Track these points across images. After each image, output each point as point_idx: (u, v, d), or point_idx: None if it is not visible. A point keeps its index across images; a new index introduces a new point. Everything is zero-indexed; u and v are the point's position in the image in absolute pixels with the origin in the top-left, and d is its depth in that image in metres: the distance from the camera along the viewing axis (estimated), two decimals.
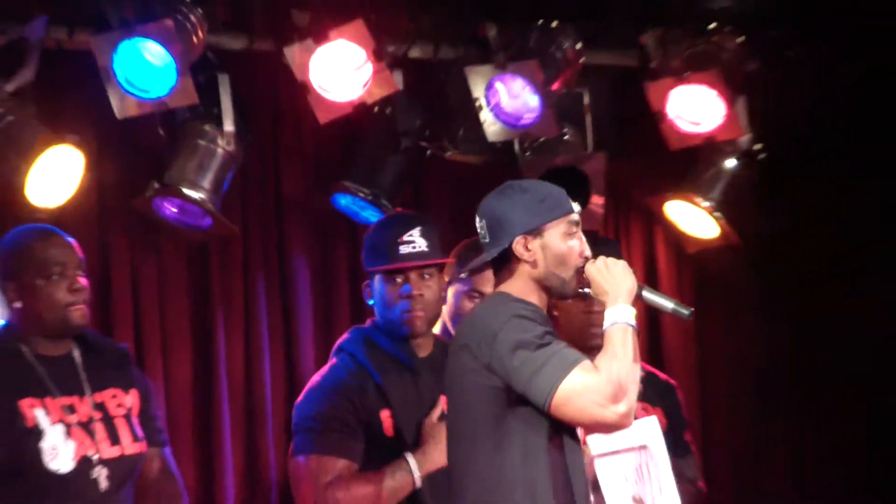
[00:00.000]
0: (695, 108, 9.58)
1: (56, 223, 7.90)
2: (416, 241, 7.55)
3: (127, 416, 7.41)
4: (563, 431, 6.40)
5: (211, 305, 9.39)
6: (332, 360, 7.59)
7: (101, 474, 7.26)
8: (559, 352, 6.22)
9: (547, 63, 9.33)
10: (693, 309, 6.59)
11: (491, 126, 9.26)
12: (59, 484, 7.20)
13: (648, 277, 10.50)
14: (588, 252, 6.49)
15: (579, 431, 6.64)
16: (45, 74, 8.51)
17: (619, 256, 7.77)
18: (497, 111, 9.26)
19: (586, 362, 6.19)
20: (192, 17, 8.61)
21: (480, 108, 9.24)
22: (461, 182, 9.65)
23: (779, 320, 10.62)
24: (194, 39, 8.64)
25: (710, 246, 10.10)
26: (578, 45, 9.41)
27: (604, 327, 6.44)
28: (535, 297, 6.42)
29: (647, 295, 6.52)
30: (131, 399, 7.46)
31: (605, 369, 6.22)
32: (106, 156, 8.78)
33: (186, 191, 8.76)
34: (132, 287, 8.96)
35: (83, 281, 7.31)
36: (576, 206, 6.65)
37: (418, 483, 7.30)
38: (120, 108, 8.44)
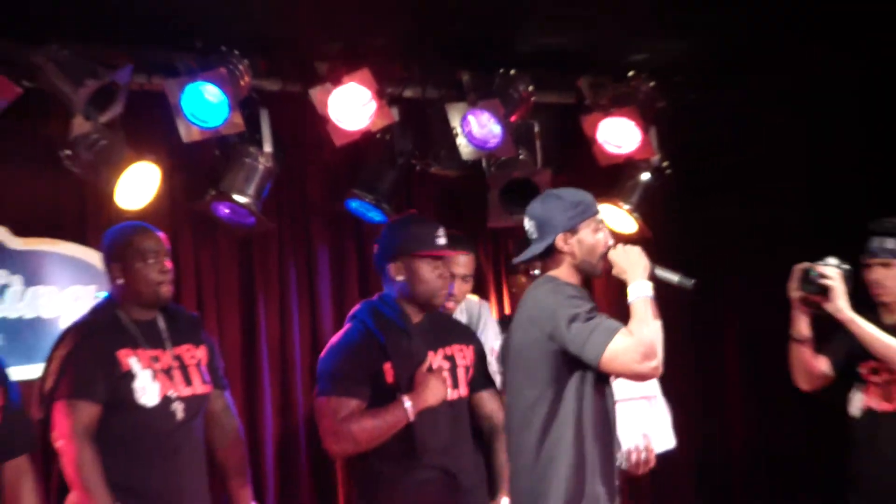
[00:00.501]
0: (617, 135, 10.11)
1: (139, 221, 8.54)
2: (443, 236, 8.15)
3: (198, 366, 8.08)
4: (604, 383, 7.26)
5: (253, 283, 10.00)
6: (347, 325, 8.14)
7: (178, 408, 7.85)
8: (603, 322, 7.03)
9: (506, 101, 9.80)
10: (695, 280, 7.30)
11: (465, 148, 9.85)
12: (147, 415, 7.76)
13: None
14: (611, 241, 7.34)
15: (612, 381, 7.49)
16: (130, 109, 8.89)
17: None
18: (469, 137, 9.82)
19: (624, 329, 7.05)
20: (240, 66, 9.16)
21: (457, 134, 9.85)
22: (442, 190, 10.43)
23: (686, 314, 10.68)
24: (242, 83, 9.19)
25: (630, 239, 9.57)
26: (530, 88, 10.00)
27: (629, 300, 7.19)
28: (574, 279, 7.30)
29: (658, 272, 7.26)
30: (201, 353, 8.12)
31: (637, 334, 7.04)
32: (175, 170, 9.33)
33: (236, 196, 9.36)
34: (195, 269, 9.61)
35: (169, 265, 7.98)
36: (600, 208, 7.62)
37: (411, 418, 7.81)
38: (186, 134, 8.98)
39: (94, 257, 9.26)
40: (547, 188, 9.90)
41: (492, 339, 9.03)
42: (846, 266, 8.37)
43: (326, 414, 7.88)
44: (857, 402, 8.59)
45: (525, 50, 10.01)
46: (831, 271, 8.25)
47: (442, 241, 8.19)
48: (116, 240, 8.07)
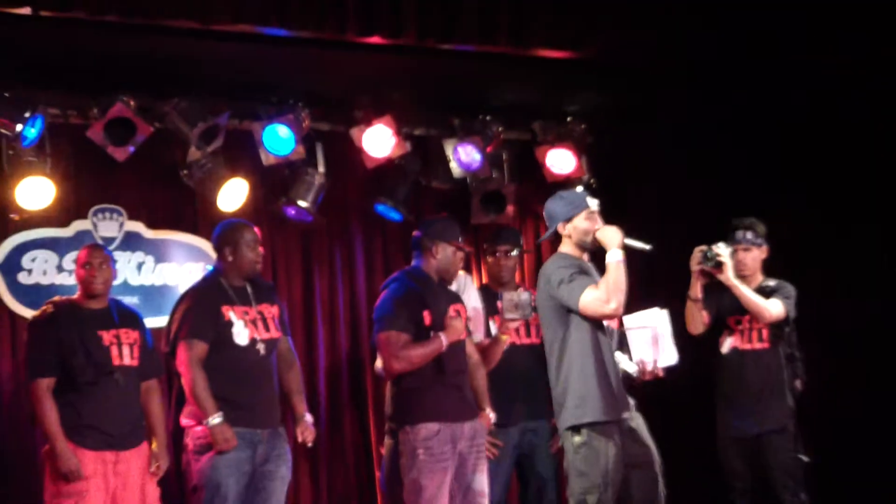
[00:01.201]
0: (559, 161, 10.47)
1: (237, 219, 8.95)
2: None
3: (273, 318, 8.46)
4: (597, 325, 7.72)
5: (311, 261, 10.32)
6: (392, 285, 8.49)
7: (261, 347, 8.31)
8: (577, 280, 7.61)
9: (484, 138, 10.22)
10: (651, 246, 7.66)
11: (455, 170, 10.28)
12: (241, 351, 8.23)
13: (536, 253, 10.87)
14: (599, 225, 7.76)
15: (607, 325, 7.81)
16: (227, 142, 9.53)
17: (518, 240, 9.32)
18: (458, 162, 10.23)
19: (592, 285, 7.62)
20: (302, 113, 9.74)
21: (449, 160, 10.25)
22: (438, 198, 10.53)
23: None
24: (303, 125, 9.75)
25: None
26: (500, 129, 10.39)
27: (606, 261, 7.58)
28: (576, 253, 7.82)
29: (628, 241, 7.59)
30: (275, 310, 8.50)
31: (603, 286, 7.60)
32: (258, 184, 9.87)
33: (299, 202, 9.90)
34: (271, 252, 9.92)
35: (261, 250, 8.48)
36: (593, 201, 7.89)
37: (444, 348, 8.23)
38: (265, 159, 9.67)
39: (202, 243, 9.82)
40: (512, 197, 10.36)
41: (473, 301, 9.18)
42: (731, 248, 8.81)
43: (388, 345, 8.25)
44: (727, 344, 9.05)
45: (497, 103, 10.40)
46: (723, 251, 8.72)
47: (461, 236, 8.67)
48: (228, 231, 8.49)
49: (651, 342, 8.14)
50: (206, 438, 8.20)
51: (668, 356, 8.16)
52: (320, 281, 10.40)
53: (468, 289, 9.37)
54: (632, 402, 7.94)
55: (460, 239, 8.69)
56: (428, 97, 10.25)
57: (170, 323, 8.49)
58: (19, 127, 8.96)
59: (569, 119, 10.66)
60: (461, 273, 9.18)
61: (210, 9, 8.35)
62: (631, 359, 8.13)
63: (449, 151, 10.32)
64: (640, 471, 7.95)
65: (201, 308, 8.38)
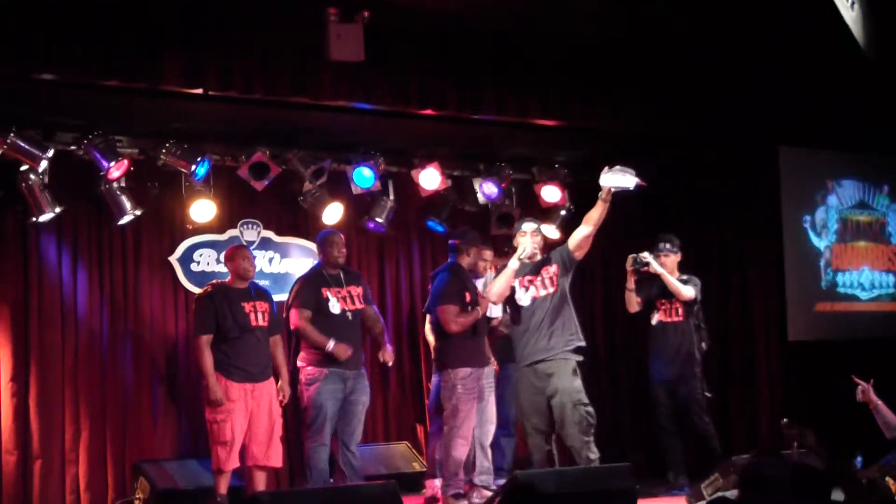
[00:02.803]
0: (550, 194, 10.30)
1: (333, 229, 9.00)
2: None
3: (357, 296, 8.50)
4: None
5: (383, 258, 10.20)
6: (441, 274, 8.39)
7: (348, 314, 8.43)
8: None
9: (500, 177, 10.08)
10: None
11: (480, 198, 10.12)
12: (335, 318, 8.36)
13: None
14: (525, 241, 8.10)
15: None
16: (329, 178, 9.53)
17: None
18: (482, 193, 10.08)
19: (581, 226, 7.93)
20: (379, 160, 9.63)
21: (476, 192, 10.09)
22: (470, 217, 10.15)
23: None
24: (380, 167, 9.66)
25: (557, 242, 9.72)
26: (510, 171, 10.18)
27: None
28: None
29: (613, 184, 7.76)
30: (360, 290, 8.54)
31: (585, 222, 7.97)
32: (349, 206, 9.74)
33: (377, 218, 9.84)
34: (357, 253, 9.87)
35: (344, 250, 8.54)
36: (529, 224, 8.20)
37: (480, 316, 8.26)
38: (354, 190, 9.63)
39: (311, 246, 9.60)
40: (517, 217, 9.81)
41: (480, 287, 8.83)
42: (654, 254, 8.93)
43: (446, 314, 8.15)
44: (655, 318, 9.10)
45: (508, 155, 10.23)
46: (648, 256, 8.87)
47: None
48: (326, 237, 8.63)
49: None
50: (312, 374, 8.31)
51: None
52: (388, 272, 10.31)
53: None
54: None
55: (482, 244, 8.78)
56: (462, 150, 10.22)
57: (288, 297, 8.64)
58: (193, 167, 9.04)
59: (556, 165, 10.58)
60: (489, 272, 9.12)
61: (318, 88, 8.30)
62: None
63: (476, 186, 10.27)
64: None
65: (307, 288, 8.49)
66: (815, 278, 10.58)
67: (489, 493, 8.31)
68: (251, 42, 8.09)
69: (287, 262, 9.93)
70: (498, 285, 7.91)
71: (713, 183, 10.37)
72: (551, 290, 8.18)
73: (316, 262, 9.07)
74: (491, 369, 8.72)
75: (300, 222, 9.96)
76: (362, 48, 7.44)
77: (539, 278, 8.29)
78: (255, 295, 8.27)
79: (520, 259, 8.15)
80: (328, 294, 8.49)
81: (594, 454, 7.94)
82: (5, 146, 8.38)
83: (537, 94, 9.18)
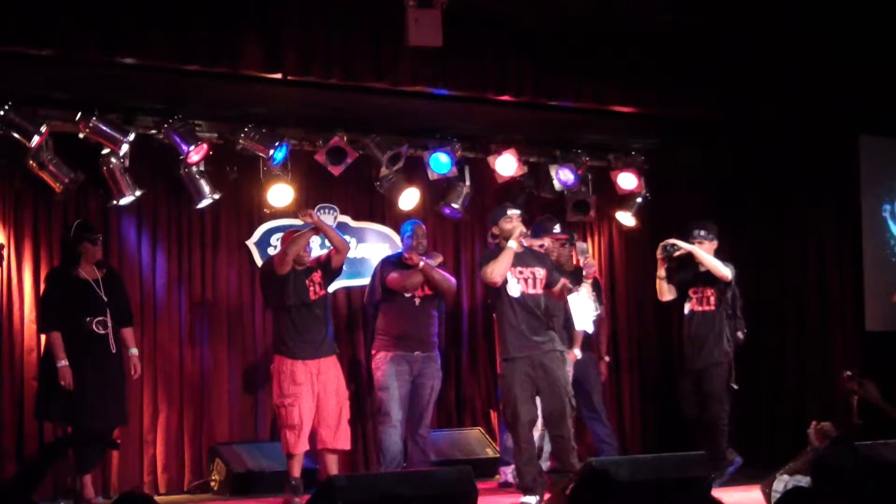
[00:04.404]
0: (626, 181, 10.24)
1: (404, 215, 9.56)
2: None
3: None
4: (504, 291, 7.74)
5: (459, 242, 10.24)
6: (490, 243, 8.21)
7: (416, 300, 8.71)
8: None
9: (577, 164, 10.06)
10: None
11: (556, 185, 10.13)
12: (405, 302, 8.67)
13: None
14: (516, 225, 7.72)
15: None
16: (406, 164, 9.58)
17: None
18: (559, 180, 10.08)
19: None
20: (456, 146, 9.70)
21: (553, 179, 10.07)
22: (545, 202, 10.23)
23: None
24: (457, 153, 9.72)
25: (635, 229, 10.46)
26: (587, 158, 10.19)
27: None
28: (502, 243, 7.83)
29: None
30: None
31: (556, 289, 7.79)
32: (426, 191, 9.83)
33: (453, 204, 9.89)
34: (433, 236, 9.68)
35: (426, 239, 8.92)
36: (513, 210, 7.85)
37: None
38: (431, 176, 9.68)
39: (388, 231, 9.92)
40: (594, 204, 10.22)
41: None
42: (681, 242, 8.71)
43: (485, 270, 7.70)
44: (687, 307, 8.84)
45: (584, 142, 10.30)
46: (676, 241, 8.63)
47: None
48: (411, 228, 8.86)
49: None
50: (380, 358, 8.61)
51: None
52: (464, 255, 10.37)
53: None
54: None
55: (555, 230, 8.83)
56: (539, 136, 10.25)
57: (372, 279, 8.95)
58: (271, 151, 9.11)
59: (632, 152, 10.58)
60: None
61: (396, 74, 8.36)
62: None
63: (552, 173, 10.28)
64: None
65: (389, 270, 8.82)
66: (894, 268, 10.44)
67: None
68: (330, 27, 8.14)
69: (363, 246, 10.01)
70: (502, 266, 7.63)
71: (791, 172, 10.27)
72: (540, 290, 7.89)
73: (400, 250, 9.25)
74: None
75: (377, 207, 10.05)
76: (440, 34, 7.44)
77: (531, 272, 7.94)
78: (309, 269, 8.31)
79: (518, 240, 7.80)
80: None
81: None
82: (88, 129, 8.52)
83: (614, 81, 9.19)
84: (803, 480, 5.80)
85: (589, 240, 10.81)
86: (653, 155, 10.54)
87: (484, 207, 10.03)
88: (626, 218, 10.57)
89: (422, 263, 8.70)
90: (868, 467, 4.73)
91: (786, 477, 6.19)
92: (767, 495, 6.81)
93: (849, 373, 7.69)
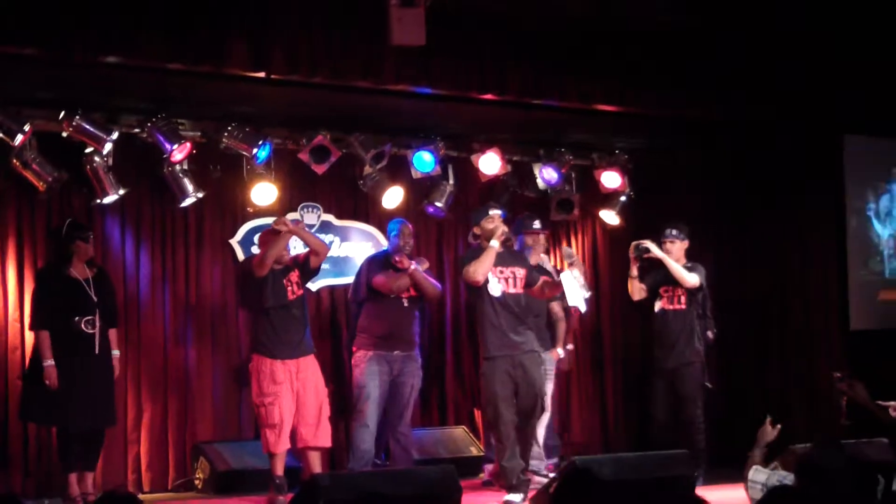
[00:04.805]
0: (610, 180, 10.22)
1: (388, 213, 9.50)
2: None
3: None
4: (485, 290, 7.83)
5: (441, 241, 10.21)
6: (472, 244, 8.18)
7: (404, 301, 8.71)
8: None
9: (560, 163, 10.04)
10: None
11: (540, 184, 10.10)
12: (393, 302, 8.65)
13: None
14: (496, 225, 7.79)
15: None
16: (390, 162, 9.51)
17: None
18: (542, 179, 10.07)
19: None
20: (439, 144, 9.63)
21: (536, 178, 10.06)
22: (529, 202, 10.12)
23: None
24: (440, 152, 9.65)
25: (618, 227, 10.37)
26: (570, 157, 10.16)
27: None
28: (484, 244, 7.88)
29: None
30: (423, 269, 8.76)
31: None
32: (409, 190, 9.76)
33: (436, 203, 9.84)
34: (416, 234, 9.31)
35: (413, 239, 8.94)
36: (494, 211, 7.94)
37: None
38: (414, 175, 9.63)
39: (371, 230, 9.89)
40: (577, 203, 10.16)
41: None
42: (651, 243, 8.82)
43: (468, 270, 7.74)
44: (657, 306, 8.97)
45: (568, 141, 10.27)
46: (650, 244, 8.76)
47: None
48: (400, 227, 8.87)
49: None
50: (358, 356, 8.62)
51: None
52: (447, 254, 10.35)
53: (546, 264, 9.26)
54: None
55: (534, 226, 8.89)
56: (523, 135, 10.23)
57: (356, 277, 8.94)
58: (254, 150, 9.10)
59: (616, 151, 10.57)
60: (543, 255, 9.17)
61: (380, 72, 8.33)
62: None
63: (536, 172, 10.28)
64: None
65: (374, 269, 8.85)
66: (878, 266, 10.50)
67: (540, 478, 8.31)
68: (314, 26, 8.12)
69: (347, 245, 9.98)
70: (484, 265, 7.65)
71: (775, 171, 10.32)
72: (520, 290, 7.93)
73: (384, 248, 9.26)
74: (546, 354, 8.68)
75: (360, 206, 10.01)
76: (423, 33, 7.37)
77: (511, 272, 7.98)
78: (286, 269, 8.26)
79: (499, 240, 7.82)
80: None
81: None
82: (71, 128, 8.48)
83: (598, 81, 9.14)
84: (787, 478, 5.78)
85: (573, 238, 10.83)
86: (637, 154, 10.52)
87: (468, 206, 9.98)
88: (609, 216, 10.54)
89: (411, 268, 8.71)
90: (853, 467, 4.76)
91: (765, 470, 6.16)
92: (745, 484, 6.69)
93: (838, 374, 7.65)
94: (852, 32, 9.03)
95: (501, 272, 7.86)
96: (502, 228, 7.86)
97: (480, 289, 7.77)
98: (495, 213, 7.99)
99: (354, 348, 8.80)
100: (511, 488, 7.67)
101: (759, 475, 6.06)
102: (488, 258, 7.70)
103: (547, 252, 9.56)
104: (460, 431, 10.02)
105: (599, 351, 10.73)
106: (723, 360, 8.92)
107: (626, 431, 10.75)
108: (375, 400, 8.56)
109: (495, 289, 7.78)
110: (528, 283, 7.96)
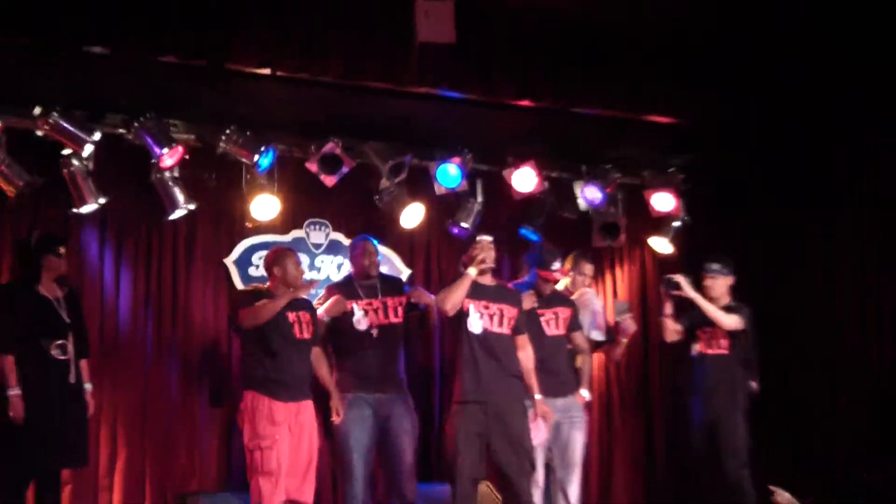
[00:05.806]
0: (662, 202, 10.11)
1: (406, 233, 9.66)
2: None
3: (395, 308, 8.31)
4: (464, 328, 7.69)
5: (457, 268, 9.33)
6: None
7: (373, 332, 8.18)
8: None
9: (605, 181, 10.01)
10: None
11: (582, 204, 10.07)
12: (360, 336, 8.18)
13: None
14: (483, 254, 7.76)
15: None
16: (410, 175, 9.45)
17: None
18: (584, 199, 10.03)
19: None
20: (467, 156, 9.55)
21: (577, 197, 10.03)
22: (565, 224, 10.11)
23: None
24: (468, 165, 9.58)
25: (671, 256, 10.25)
26: (617, 175, 10.11)
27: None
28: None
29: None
30: (400, 301, 8.36)
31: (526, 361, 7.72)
32: (432, 207, 9.70)
33: (462, 223, 9.75)
34: (437, 259, 9.99)
35: (375, 258, 8.47)
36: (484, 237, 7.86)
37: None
38: (438, 190, 9.58)
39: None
40: (624, 228, 10.18)
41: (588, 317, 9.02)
42: (685, 277, 8.65)
43: (437, 298, 7.83)
44: (695, 349, 8.73)
45: (615, 156, 10.15)
46: (680, 279, 8.59)
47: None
48: (360, 245, 8.50)
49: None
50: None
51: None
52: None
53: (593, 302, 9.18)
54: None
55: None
56: (563, 148, 10.05)
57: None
58: (256, 157, 8.97)
59: (671, 170, 10.38)
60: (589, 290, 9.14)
61: (401, 73, 8.29)
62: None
63: (577, 190, 10.15)
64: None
65: (337, 292, 8.46)
66: None
67: None
68: (327, 17, 8.10)
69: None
70: (457, 294, 7.49)
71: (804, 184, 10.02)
72: (507, 331, 7.75)
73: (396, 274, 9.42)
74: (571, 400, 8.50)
75: (374, 224, 9.71)
76: (453, 28, 7.42)
77: (499, 309, 7.84)
78: (297, 304, 7.91)
79: (477, 267, 7.72)
80: (354, 307, 8.31)
81: None
82: (47, 127, 8.39)
83: (648, 88, 9.03)
84: None
85: (618, 268, 10.71)
86: (695, 173, 10.37)
87: (497, 227, 9.51)
88: (661, 244, 10.34)
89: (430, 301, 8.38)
90: None
91: None
92: None
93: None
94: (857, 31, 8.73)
95: (487, 307, 7.70)
96: (482, 255, 7.73)
97: (458, 322, 7.59)
98: (485, 239, 7.88)
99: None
100: None
101: None
102: (460, 287, 7.54)
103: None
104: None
105: (647, 400, 10.54)
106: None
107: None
108: (360, 450, 8.12)
109: (476, 325, 7.61)
110: (516, 328, 7.77)
